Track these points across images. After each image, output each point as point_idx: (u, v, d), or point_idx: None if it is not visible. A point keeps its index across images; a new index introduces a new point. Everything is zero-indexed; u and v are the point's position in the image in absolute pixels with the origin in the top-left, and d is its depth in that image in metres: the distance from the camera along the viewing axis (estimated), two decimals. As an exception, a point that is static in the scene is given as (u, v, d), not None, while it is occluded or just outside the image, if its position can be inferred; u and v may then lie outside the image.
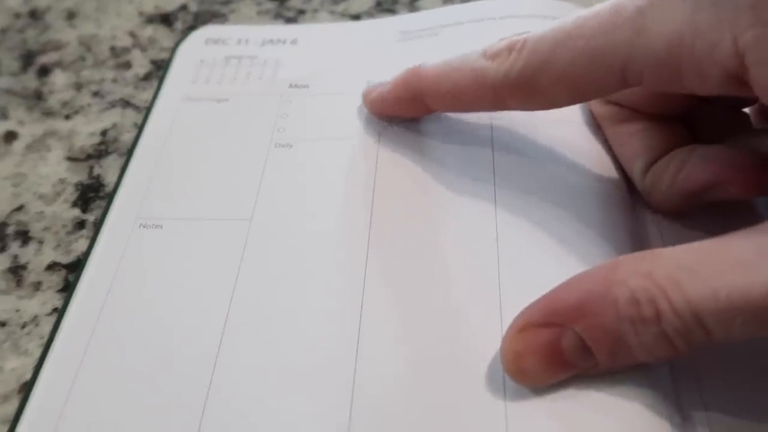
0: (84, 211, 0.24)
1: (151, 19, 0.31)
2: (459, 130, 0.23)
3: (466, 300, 0.19)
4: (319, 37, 0.28)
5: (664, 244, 0.20)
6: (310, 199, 0.22)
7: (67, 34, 0.31)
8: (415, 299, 0.19)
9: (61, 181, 0.25)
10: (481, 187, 0.21)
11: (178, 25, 0.31)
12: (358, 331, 0.19)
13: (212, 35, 0.29)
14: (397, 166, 0.23)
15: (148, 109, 0.26)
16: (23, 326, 0.21)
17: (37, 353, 0.20)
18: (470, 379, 0.17)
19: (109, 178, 0.25)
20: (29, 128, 0.27)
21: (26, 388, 0.19)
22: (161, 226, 0.22)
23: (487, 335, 0.18)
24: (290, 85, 0.26)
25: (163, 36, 0.31)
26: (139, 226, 0.22)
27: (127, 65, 0.30)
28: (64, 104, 0.28)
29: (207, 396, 0.18)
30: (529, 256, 0.20)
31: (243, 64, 0.28)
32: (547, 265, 0.19)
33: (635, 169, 0.21)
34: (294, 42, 0.28)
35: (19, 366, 0.20)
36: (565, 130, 0.23)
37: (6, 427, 0.19)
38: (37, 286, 0.22)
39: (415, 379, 0.18)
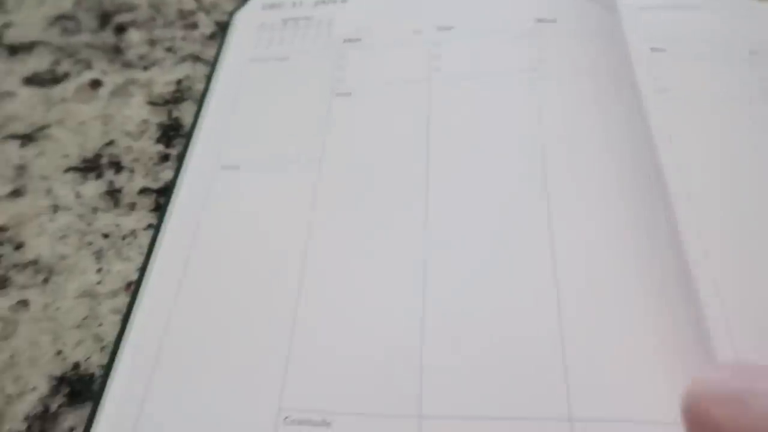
0: (167, 146, 0.28)
1: (212, -14, 0.35)
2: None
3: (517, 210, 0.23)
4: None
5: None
6: (372, 140, 0.26)
7: (138, -2, 0.34)
8: (474, 212, 0.23)
9: (144, 121, 0.29)
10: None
11: (238, -9, 0.35)
12: (423, 250, 0.22)
13: (269, 1, 0.33)
14: (450, 104, 0.26)
15: (214, 65, 0.30)
16: (123, 238, 0.25)
17: (139, 259, 0.24)
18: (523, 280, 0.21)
19: (187, 120, 0.29)
20: (111, 77, 0.31)
21: (134, 286, 0.23)
22: (239, 167, 0.26)
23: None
24: (344, 40, 0.30)
25: (225, 0, 0.34)
26: (221, 167, 0.26)
27: (194, 26, 0.33)
28: (141, 57, 0.31)
29: (298, 296, 0.22)
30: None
31: (299, 25, 0.31)
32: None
33: None
34: (344, 0, 0.32)
35: (123, 269, 0.24)
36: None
37: (118, 317, 0.23)
38: (132, 206, 0.26)
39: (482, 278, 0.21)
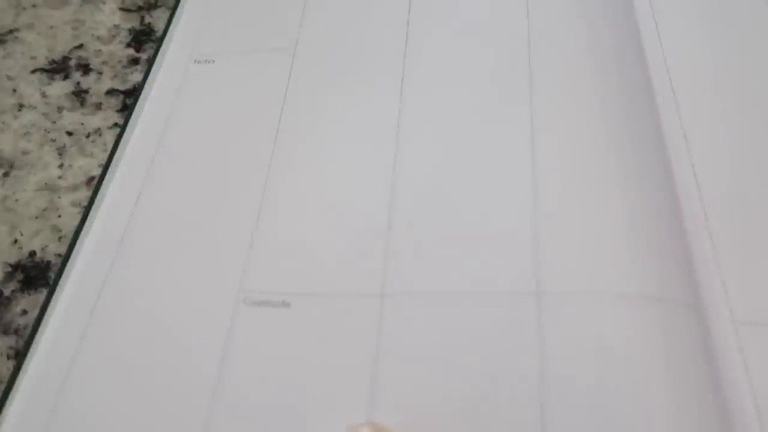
0: (138, 51, 0.27)
1: None
2: None
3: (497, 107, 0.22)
4: None
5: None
6: (350, 29, 0.25)
7: None
8: (451, 95, 0.22)
9: (116, 26, 0.28)
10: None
11: None
12: (397, 134, 0.21)
13: None
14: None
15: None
16: (88, 135, 0.24)
17: (102, 156, 0.23)
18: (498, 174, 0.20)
19: (159, 26, 0.28)
20: (84, -15, 0.30)
21: (97, 181, 0.22)
22: (214, 61, 0.25)
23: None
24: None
25: None
26: (194, 62, 0.25)
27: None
28: (116, -33, 0.30)
29: (265, 183, 0.21)
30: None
31: None
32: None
33: None
34: None
35: (86, 164, 0.23)
36: None
37: (78, 209, 0.22)
38: (98, 106, 0.25)
39: (449, 168, 0.20)
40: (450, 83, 0.22)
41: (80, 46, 0.27)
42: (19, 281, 0.20)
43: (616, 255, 0.17)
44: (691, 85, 0.22)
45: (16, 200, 0.22)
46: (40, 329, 0.19)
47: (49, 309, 0.19)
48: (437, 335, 0.17)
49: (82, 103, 0.25)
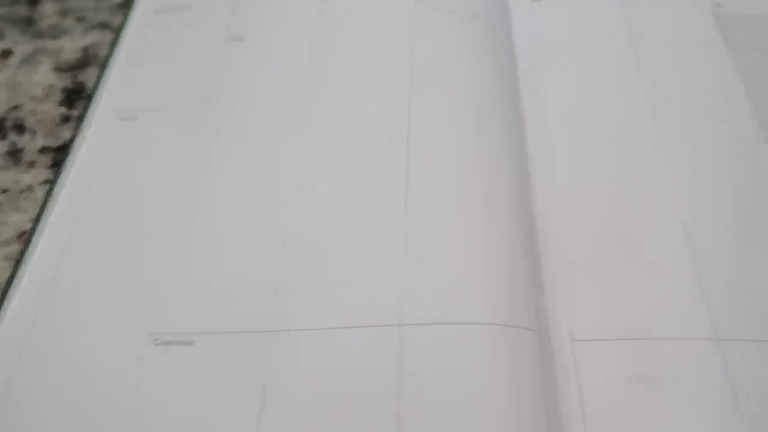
0: (69, 109, 0.29)
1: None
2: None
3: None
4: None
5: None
6: (262, 83, 0.27)
7: (54, -28, 0.35)
8: (341, 143, 0.24)
9: (50, 86, 0.30)
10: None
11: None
12: (291, 176, 0.23)
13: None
14: (332, 44, 0.27)
15: (121, 27, 0.31)
16: (21, 192, 0.26)
17: (33, 211, 0.25)
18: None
19: (91, 83, 0.30)
20: (22, 47, 0.32)
21: (27, 235, 0.24)
22: (137, 118, 0.27)
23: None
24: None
25: (137, -28, 0.35)
26: (119, 119, 0.27)
27: (106, -4, 0.34)
28: (52, 27, 0.33)
29: (180, 230, 0.23)
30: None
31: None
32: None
33: None
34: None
35: (18, 220, 0.25)
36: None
37: (9, 263, 0.24)
38: (31, 164, 0.27)
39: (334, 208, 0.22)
40: (337, 126, 0.24)
41: (16, 107, 0.29)
42: (-46, 333, 0.22)
43: (471, 288, 0.20)
44: (562, 131, 0.24)
45: (-46, 257, 0.24)
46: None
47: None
48: (315, 369, 0.19)
49: (17, 162, 0.27)
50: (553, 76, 0.26)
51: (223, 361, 0.20)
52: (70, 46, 0.32)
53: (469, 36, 0.27)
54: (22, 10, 0.34)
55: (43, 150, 0.28)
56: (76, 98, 0.29)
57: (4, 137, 0.28)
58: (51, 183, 0.26)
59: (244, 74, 0.27)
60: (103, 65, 0.30)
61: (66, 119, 0.29)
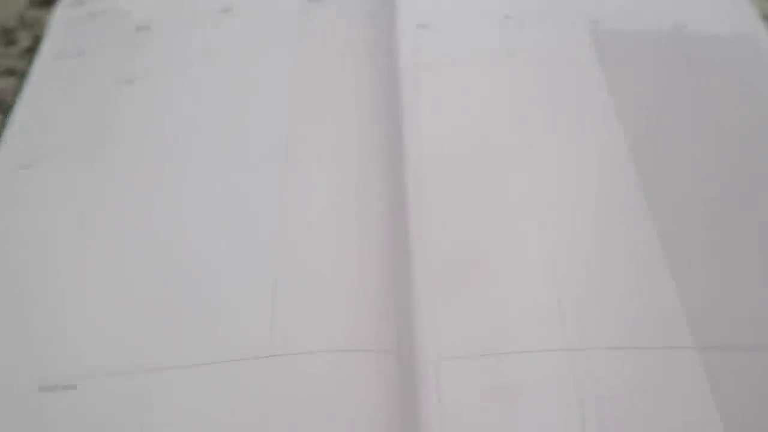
0: (-27, 157, 0.30)
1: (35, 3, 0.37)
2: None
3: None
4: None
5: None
6: (152, 126, 0.27)
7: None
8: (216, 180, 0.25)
9: (-45, 136, 0.31)
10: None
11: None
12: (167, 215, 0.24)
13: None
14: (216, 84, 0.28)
15: (26, 74, 0.32)
16: None
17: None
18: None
19: (-4, 131, 0.31)
20: (-70, 97, 0.32)
21: None
22: (30, 166, 0.28)
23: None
24: (137, 28, 0.31)
25: (48, 15, 0.36)
26: (18, 167, 0.28)
27: (13, 42, 0.35)
28: (-41, 76, 0.33)
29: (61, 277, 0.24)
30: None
31: (99, 18, 0.33)
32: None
33: None
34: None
35: None
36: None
37: None
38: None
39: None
40: (219, 166, 0.25)
41: None
42: None
43: (330, 316, 0.20)
44: (436, 153, 0.25)
45: None
46: None
47: None
48: (189, 407, 0.20)
49: None
50: (433, 100, 0.27)
51: (103, 404, 0.20)
52: (-23, 94, 0.32)
53: (355, 66, 0.28)
54: (-69, 60, 0.34)
55: (-54, 200, 0.28)
56: (-19, 146, 0.30)
57: None
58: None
59: (133, 118, 0.28)
60: (8, 111, 0.30)
61: (-31, 168, 0.29)
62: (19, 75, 0.33)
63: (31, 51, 0.34)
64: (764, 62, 0.29)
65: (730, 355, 0.20)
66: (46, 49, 0.32)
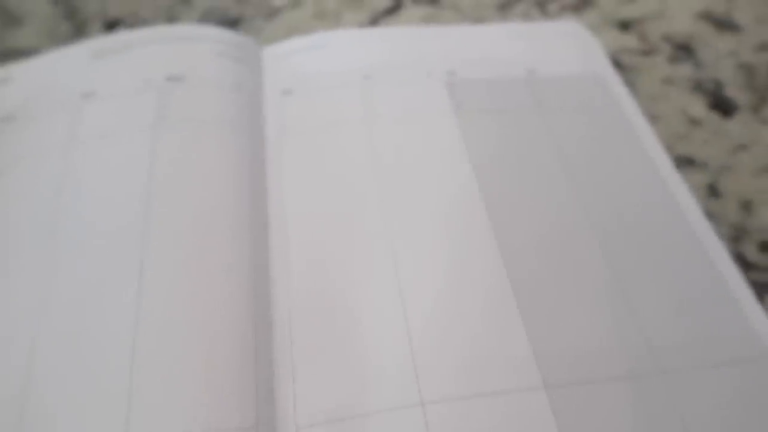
0: None
1: None
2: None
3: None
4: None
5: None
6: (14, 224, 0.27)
7: None
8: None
9: None
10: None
11: None
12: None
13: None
14: (83, 166, 0.28)
15: None
16: None
17: None
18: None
19: None
20: None
21: None
22: None
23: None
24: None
25: None
26: None
27: None
28: None
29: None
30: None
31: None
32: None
33: None
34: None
35: None
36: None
37: None
38: None
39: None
40: (75, 251, 0.25)
41: None
42: None
43: (183, 399, 0.20)
44: (299, 218, 0.26)
45: None
46: None
47: None
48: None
49: None
50: (296, 164, 0.28)
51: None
52: None
53: (219, 140, 0.28)
54: None
55: None
56: None
57: None
58: None
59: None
60: None
61: None
62: None
63: None
64: (611, 98, 0.30)
65: (572, 391, 0.20)
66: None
